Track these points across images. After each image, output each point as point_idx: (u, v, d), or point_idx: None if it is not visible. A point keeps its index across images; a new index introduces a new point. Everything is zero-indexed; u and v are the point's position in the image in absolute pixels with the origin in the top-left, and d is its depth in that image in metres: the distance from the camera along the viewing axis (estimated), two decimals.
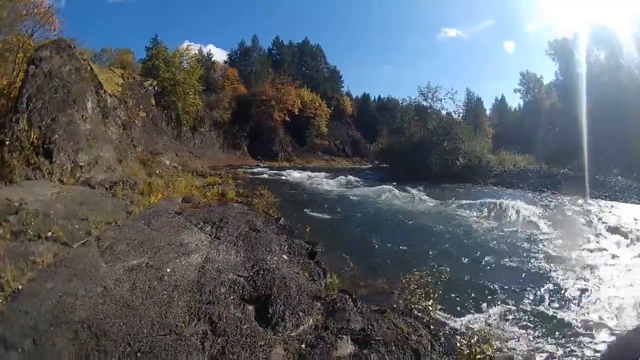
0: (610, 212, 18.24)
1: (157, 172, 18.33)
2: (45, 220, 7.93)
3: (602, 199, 23.05)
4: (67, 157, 12.35)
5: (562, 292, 8.11)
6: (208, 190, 15.15)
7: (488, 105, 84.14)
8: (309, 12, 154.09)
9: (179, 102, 40.73)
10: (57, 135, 12.38)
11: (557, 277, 8.93)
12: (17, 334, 4.43)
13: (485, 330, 5.77)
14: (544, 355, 5.67)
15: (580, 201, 21.68)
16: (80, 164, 12.61)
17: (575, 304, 7.57)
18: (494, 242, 11.89)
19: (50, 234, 7.33)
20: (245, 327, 5.07)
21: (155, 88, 38.71)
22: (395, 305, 6.93)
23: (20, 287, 5.40)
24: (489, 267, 9.56)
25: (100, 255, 6.90)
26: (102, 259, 6.73)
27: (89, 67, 17.66)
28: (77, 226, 8.07)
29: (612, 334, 6.33)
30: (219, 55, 73.40)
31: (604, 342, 6.07)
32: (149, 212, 10.39)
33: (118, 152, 16.61)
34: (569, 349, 5.82)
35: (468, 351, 5.22)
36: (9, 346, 4.27)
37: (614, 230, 13.92)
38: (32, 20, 17.66)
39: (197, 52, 54.38)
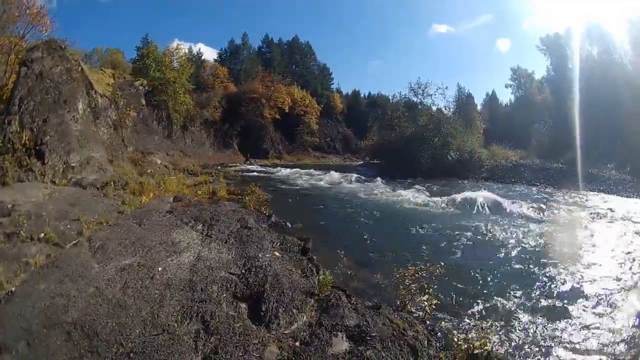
0: (604, 204, 18.27)
1: (148, 171, 18.18)
2: (38, 222, 7.86)
3: (596, 192, 23.19)
4: (58, 158, 12.23)
5: (560, 285, 7.99)
6: (199, 189, 15.08)
7: (479, 101, 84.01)
8: (298, 9, 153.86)
9: (170, 102, 40.47)
10: (48, 137, 12.26)
11: (554, 270, 8.79)
12: (11, 336, 4.38)
13: (483, 325, 5.65)
14: (542, 349, 5.56)
15: (574, 194, 21.84)
16: (72, 164, 12.50)
17: (572, 297, 7.41)
18: (488, 236, 11.83)
19: (42, 235, 7.27)
20: (238, 325, 5.02)
21: (146, 87, 38.42)
22: (390, 301, 6.74)
23: (13, 289, 5.36)
24: (483, 261, 9.37)
25: (92, 255, 6.84)
26: (94, 259, 6.68)
27: (79, 68, 17.49)
28: (69, 227, 8.02)
29: (610, 326, 6.25)
30: (209, 54, 73.04)
31: (603, 334, 6.00)
32: (140, 211, 10.33)
33: (109, 152, 16.50)
34: (567, 343, 5.72)
35: (465, 346, 5.08)
36: (3, 349, 4.22)
37: (609, 221, 14.06)
38: (24, 22, 17.48)
39: (187, 51, 54.36)
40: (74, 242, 7.40)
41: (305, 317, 5.57)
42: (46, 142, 12.10)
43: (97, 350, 4.28)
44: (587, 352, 5.55)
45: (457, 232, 12.16)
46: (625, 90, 37.28)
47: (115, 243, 7.50)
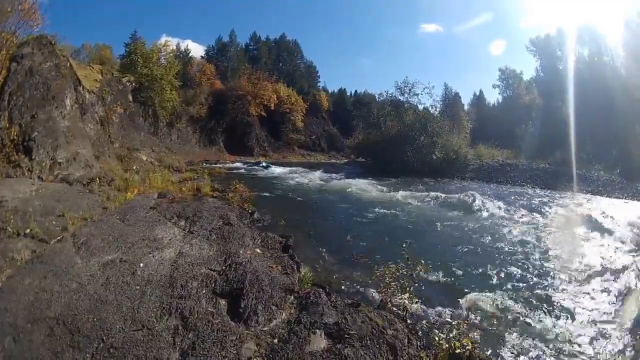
0: (591, 205, 18.42)
1: (133, 167, 18.02)
2: (24, 217, 7.79)
3: (584, 192, 23.36)
4: (46, 154, 12.08)
5: (543, 285, 7.98)
6: (184, 185, 15.05)
7: (466, 100, 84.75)
8: (287, 7, 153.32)
9: (156, 98, 40.09)
10: (36, 133, 12.10)
11: (538, 271, 8.78)
12: None
13: (464, 324, 5.52)
14: (525, 350, 5.56)
15: (561, 194, 22.05)
16: (59, 160, 12.37)
17: (555, 297, 7.41)
18: (471, 236, 11.76)
19: (28, 230, 7.22)
20: (216, 321, 5.03)
21: (133, 84, 37.91)
22: (370, 299, 6.80)
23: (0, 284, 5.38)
24: (466, 261, 9.30)
25: (76, 251, 6.85)
26: (78, 254, 6.69)
27: (68, 64, 17.25)
28: (54, 223, 7.97)
29: (594, 328, 6.31)
30: (197, 51, 72.55)
31: (588, 334, 6.06)
32: (124, 207, 10.29)
33: (96, 148, 16.33)
34: (551, 343, 5.74)
35: (447, 345, 4.95)
36: None
37: (595, 222, 13.94)
38: (16, 17, 17.25)
39: (174, 47, 54.01)
40: (59, 237, 7.36)
41: (284, 314, 5.58)
42: (34, 138, 11.95)
43: (78, 345, 4.31)
44: (571, 351, 5.62)
45: (439, 232, 12.28)
46: (616, 93, 37.53)
47: (98, 239, 7.50)
